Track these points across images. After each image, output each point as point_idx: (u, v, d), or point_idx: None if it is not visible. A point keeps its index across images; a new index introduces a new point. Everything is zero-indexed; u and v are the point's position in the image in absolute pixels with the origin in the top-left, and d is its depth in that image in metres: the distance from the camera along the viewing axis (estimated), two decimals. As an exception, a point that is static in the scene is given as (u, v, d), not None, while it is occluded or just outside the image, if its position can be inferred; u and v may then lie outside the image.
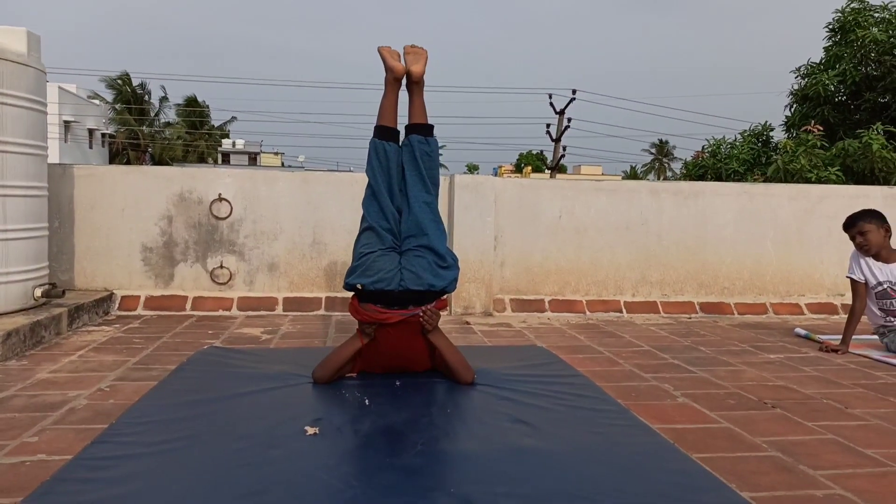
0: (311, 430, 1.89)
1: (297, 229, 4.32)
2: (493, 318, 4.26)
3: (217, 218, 4.25)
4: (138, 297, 4.18)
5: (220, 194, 4.24)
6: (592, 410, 2.14)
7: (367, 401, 2.19)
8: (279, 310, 4.24)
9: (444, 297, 2.63)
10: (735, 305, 4.69)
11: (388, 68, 2.76)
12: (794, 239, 4.80)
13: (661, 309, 4.59)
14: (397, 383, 2.42)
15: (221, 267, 4.27)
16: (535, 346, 3.21)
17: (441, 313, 2.63)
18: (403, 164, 2.70)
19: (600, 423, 2.02)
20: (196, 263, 4.26)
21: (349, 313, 2.63)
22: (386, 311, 2.48)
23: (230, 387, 2.33)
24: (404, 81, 2.80)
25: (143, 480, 1.53)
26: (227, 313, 4.16)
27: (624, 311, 4.54)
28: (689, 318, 4.50)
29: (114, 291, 4.15)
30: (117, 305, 4.13)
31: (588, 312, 4.49)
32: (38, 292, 3.41)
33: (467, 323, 4.05)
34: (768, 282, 4.77)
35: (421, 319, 2.47)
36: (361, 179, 4.38)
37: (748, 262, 4.76)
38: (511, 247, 4.49)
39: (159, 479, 1.54)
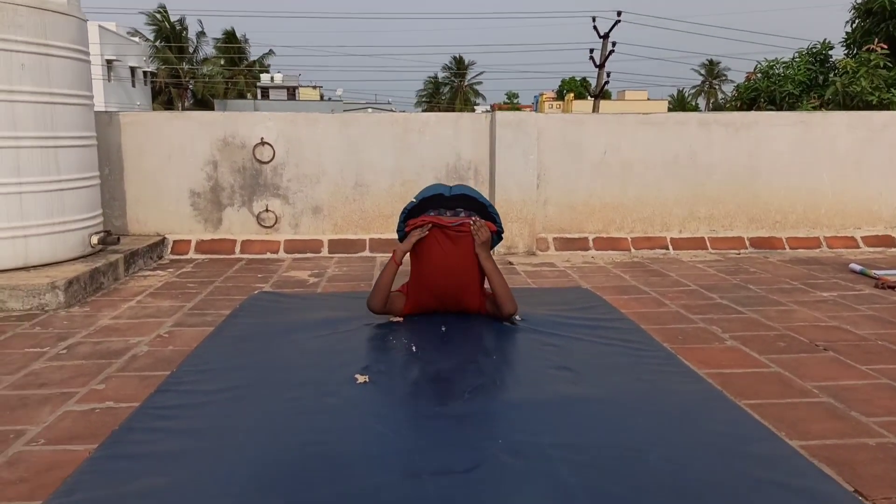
0: (361, 378, 1.95)
1: (338, 172, 4.33)
2: (535, 258, 4.25)
3: (260, 162, 4.28)
4: (189, 241, 4.29)
5: (262, 138, 4.25)
6: (638, 356, 2.14)
7: (413, 347, 2.24)
8: (324, 252, 4.30)
9: (490, 228, 2.61)
10: (787, 240, 4.56)
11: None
12: (851, 169, 4.60)
13: (708, 245, 4.50)
14: (443, 328, 2.45)
15: (267, 210, 4.33)
16: (579, 288, 3.20)
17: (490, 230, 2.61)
18: None
19: (646, 369, 2.02)
20: (242, 207, 4.33)
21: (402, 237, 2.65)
22: (436, 219, 2.53)
23: (281, 332, 2.40)
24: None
25: (205, 430, 1.61)
26: (274, 256, 4.25)
27: (670, 247, 4.47)
28: (738, 254, 4.41)
29: (165, 236, 4.27)
30: (170, 249, 4.25)
31: (633, 250, 4.43)
32: (95, 239, 3.53)
33: (510, 263, 4.05)
34: (822, 215, 4.62)
35: (472, 228, 2.48)
36: (402, 120, 4.35)
37: (802, 194, 4.60)
38: (554, 185, 4.42)
39: (221, 430, 1.61)
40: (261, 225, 4.34)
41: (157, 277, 3.63)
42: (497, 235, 2.69)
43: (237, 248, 4.28)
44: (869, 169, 4.60)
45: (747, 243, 4.53)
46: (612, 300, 3.11)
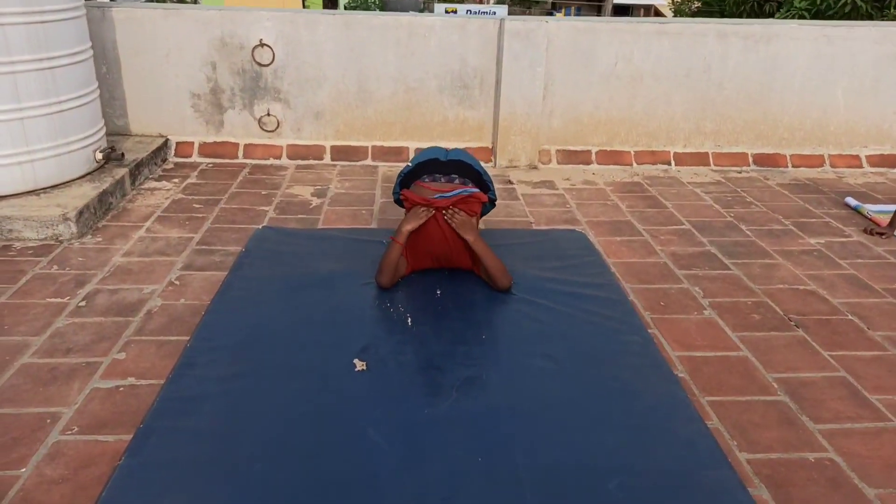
0: (359, 366, 2.13)
1: (340, 77, 4.22)
2: (537, 173, 4.27)
3: (260, 65, 4.17)
4: (192, 142, 4.30)
5: (261, 40, 4.11)
6: (619, 342, 2.30)
7: (409, 320, 2.40)
8: (327, 159, 4.33)
9: (481, 200, 2.66)
10: (791, 157, 4.55)
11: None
12: (868, 87, 4.47)
13: (711, 161, 4.50)
14: (438, 293, 2.60)
15: (268, 115, 4.29)
16: (573, 231, 3.29)
17: (481, 201, 2.67)
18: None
19: (623, 362, 2.19)
20: (244, 111, 4.28)
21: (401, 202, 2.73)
22: (432, 186, 2.60)
23: (284, 294, 2.55)
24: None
25: (217, 434, 1.82)
26: (277, 162, 4.28)
27: (673, 163, 4.47)
28: (740, 172, 4.42)
29: (168, 137, 4.27)
30: (173, 152, 4.28)
31: (635, 165, 4.44)
32: (99, 156, 3.56)
33: (510, 182, 4.09)
34: (831, 133, 4.56)
35: (445, 218, 2.54)
36: (406, 23, 4.17)
37: (813, 111, 4.51)
38: (561, 96, 4.33)
39: (230, 433, 1.82)
40: (262, 129, 4.32)
41: (164, 193, 3.71)
42: (490, 203, 2.76)
43: (240, 153, 4.30)
44: (887, 87, 4.47)
45: (750, 160, 4.53)
46: (603, 243, 3.22)
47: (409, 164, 2.70)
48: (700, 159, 4.51)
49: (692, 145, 4.53)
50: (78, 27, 3.41)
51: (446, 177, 2.65)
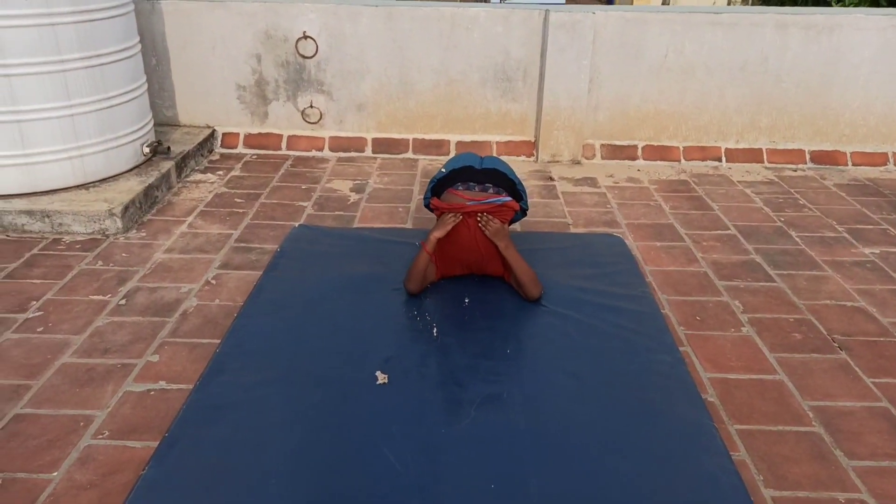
0: (381, 379, 2.14)
1: (383, 69, 4.20)
2: (579, 168, 4.18)
3: (303, 57, 4.19)
4: (237, 133, 4.37)
5: (304, 32, 4.12)
6: (647, 360, 2.25)
7: (434, 331, 2.39)
8: (368, 151, 4.33)
9: (513, 209, 2.61)
10: (851, 155, 4.32)
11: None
12: (942, 81, 4.18)
13: (765, 158, 4.31)
14: (466, 301, 2.58)
15: (311, 106, 4.32)
16: (610, 236, 3.21)
17: (513, 210, 2.64)
18: None
19: (650, 383, 2.14)
20: (287, 102, 4.32)
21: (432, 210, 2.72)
22: (465, 195, 2.58)
23: (314, 299, 2.58)
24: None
25: (238, 446, 1.86)
26: (319, 154, 4.32)
27: (724, 159, 4.30)
28: (795, 171, 4.23)
29: (215, 128, 4.35)
30: (220, 143, 4.35)
31: (683, 161, 4.30)
32: (147, 150, 3.65)
33: (550, 178, 4.01)
34: (897, 129, 4.30)
35: (479, 224, 2.51)
36: (449, 15, 4.11)
37: (878, 106, 4.25)
38: (608, 89, 4.21)
39: (250, 447, 1.86)
40: (306, 121, 4.35)
41: (208, 186, 3.79)
42: (521, 212, 2.71)
43: (283, 144, 4.35)
44: (962, 81, 4.18)
45: (807, 157, 4.32)
46: (642, 249, 3.14)
47: (443, 171, 2.68)
48: (753, 156, 4.32)
49: (745, 141, 4.34)
50: (126, 23, 3.48)
51: (480, 186, 2.62)
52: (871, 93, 4.22)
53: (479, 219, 2.50)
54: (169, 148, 3.79)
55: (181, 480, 1.76)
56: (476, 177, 2.62)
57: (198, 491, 1.73)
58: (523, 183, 2.80)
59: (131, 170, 3.59)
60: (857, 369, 2.33)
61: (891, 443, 2.00)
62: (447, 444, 1.88)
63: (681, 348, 2.38)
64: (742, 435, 2.02)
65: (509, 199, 2.59)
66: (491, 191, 2.60)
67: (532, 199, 3.63)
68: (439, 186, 2.66)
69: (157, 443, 1.90)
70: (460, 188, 2.61)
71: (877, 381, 2.27)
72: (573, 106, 4.14)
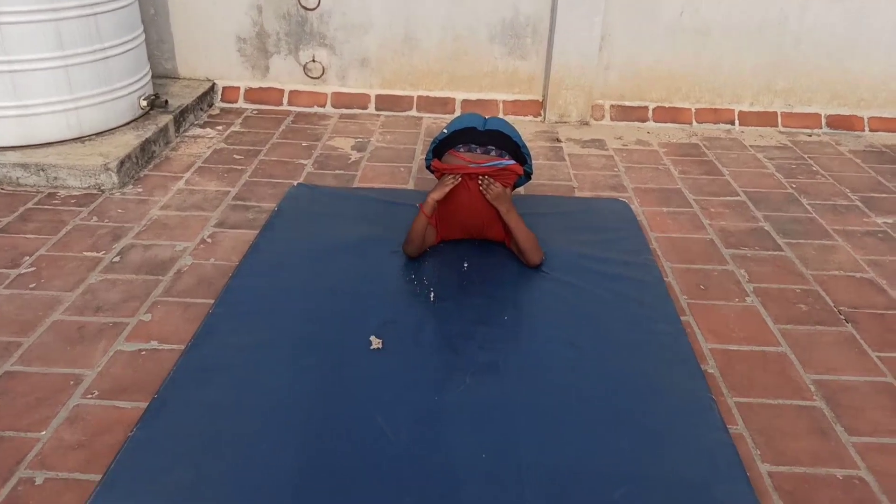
0: (375, 343, 2.10)
1: (387, 24, 4.07)
2: (587, 130, 4.07)
3: (305, 9, 4.06)
4: (238, 87, 4.27)
5: (307, -18, 3.98)
6: (647, 331, 2.20)
7: (432, 295, 2.35)
8: (371, 108, 4.23)
9: (516, 173, 2.54)
10: (868, 120, 4.19)
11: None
12: (968, 44, 4.02)
13: (780, 122, 4.19)
14: (465, 266, 2.53)
15: (314, 61, 4.20)
16: (615, 201, 3.13)
17: (516, 174, 2.57)
18: None
19: (650, 353, 2.10)
20: (289, 56, 4.20)
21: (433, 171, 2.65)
22: (467, 156, 2.51)
23: (312, 258, 2.54)
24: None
25: (227, 409, 1.84)
26: (321, 110, 4.22)
27: (737, 122, 4.18)
28: (810, 136, 4.10)
29: (215, 81, 4.25)
30: (220, 97, 4.26)
31: (695, 123, 4.18)
32: (144, 103, 3.57)
33: (557, 140, 3.91)
34: (919, 95, 4.15)
35: (480, 188, 2.44)
36: (457, -33, 3.95)
37: (900, 70, 4.10)
38: (619, 48, 4.07)
39: (239, 411, 1.83)
40: (307, 76, 4.24)
41: (206, 141, 3.72)
42: (525, 177, 2.63)
43: (285, 100, 4.25)
44: None
45: (823, 122, 4.19)
46: (648, 214, 3.06)
47: (445, 131, 2.59)
48: (767, 119, 4.20)
49: (760, 104, 4.21)
50: (121, -29, 3.36)
51: (482, 148, 2.54)
52: (893, 58, 4.06)
53: (480, 182, 2.43)
54: (167, 101, 3.71)
55: (169, 442, 1.74)
56: (479, 139, 2.54)
57: (186, 453, 1.71)
58: (528, 145, 2.72)
59: (128, 123, 3.52)
60: (862, 343, 2.28)
61: (893, 419, 1.96)
62: (440, 412, 1.85)
63: (683, 318, 2.33)
64: (741, 408, 1.98)
65: (512, 162, 2.51)
66: (493, 153, 2.52)
67: (537, 162, 3.54)
68: (441, 148, 2.59)
69: (147, 404, 1.88)
70: (462, 150, 2.53)
71: (882, 355, 2.22)
72: (583, 64, 4.01)
